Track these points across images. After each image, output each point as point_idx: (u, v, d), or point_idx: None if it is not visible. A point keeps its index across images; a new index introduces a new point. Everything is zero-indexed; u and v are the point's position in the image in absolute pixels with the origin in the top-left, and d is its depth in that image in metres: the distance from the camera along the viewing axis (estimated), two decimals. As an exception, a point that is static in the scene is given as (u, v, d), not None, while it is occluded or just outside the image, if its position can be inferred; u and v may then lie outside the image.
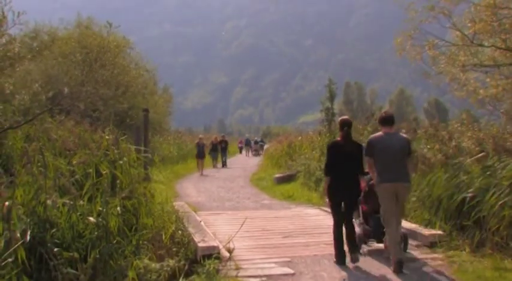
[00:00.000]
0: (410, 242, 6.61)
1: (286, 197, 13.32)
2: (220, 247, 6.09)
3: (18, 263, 4.02)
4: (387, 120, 5.94)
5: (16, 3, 9.04)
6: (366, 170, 6.11)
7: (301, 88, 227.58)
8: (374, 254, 6.26)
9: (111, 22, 11.42)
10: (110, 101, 17.20)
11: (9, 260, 3.92)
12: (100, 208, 5.11)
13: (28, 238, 4.21)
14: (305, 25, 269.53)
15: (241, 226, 6.77)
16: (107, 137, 6.53)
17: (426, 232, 6.78)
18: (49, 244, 4.42)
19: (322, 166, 6.83)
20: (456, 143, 8.40)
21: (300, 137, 23.35)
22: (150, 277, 4.88)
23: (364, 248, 6.46)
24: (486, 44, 11.33)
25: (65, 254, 4.42)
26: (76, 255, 4.45)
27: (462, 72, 11.51)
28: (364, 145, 6.15)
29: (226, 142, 26.93)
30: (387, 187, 5.70)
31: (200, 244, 5.86)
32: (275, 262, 5.86)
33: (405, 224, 7.08)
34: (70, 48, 18.51)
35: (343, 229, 5.88)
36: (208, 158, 24.07)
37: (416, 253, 6.25)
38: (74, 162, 5.97)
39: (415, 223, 7.45)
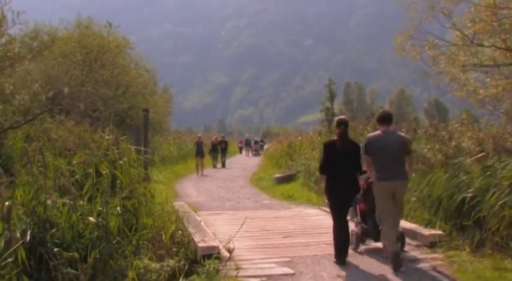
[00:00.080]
0: (411, 242, 6.62)
1: (286, 197, 13.31)
2: (220, 247, 6.08)
3: (18, 263, 4.02)
4: (385, 119, 5.98)
5: (16, 3, 9.06)
6: (364, 168, 6.14)
7: (301, 88, 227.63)
8: (373, 253, 6.27)
9: (111, 22, 11.44)
10: (110, 101, 17.21)
11: (9, 260, 3.92)
12: (100, 208, 5.11)
13: (28, 238, 4.21)
14: (305, 25, 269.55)
15: (241, 226, 6.76)
16: (107, 137, 6.53)
17: (426, 232, 6.77)
18: (49, 244, 4.42)
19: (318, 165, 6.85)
20: (456, 143, 8.40)
21: (300, 137, 23.35)
22: (150, 277, 4.88)
23: (362, 247, 6.49)
24: (486, 44, 11.34)
25: (65, 254, 4.42)
26: (76, 255, 4.45)
27: (462, 72, 11.52)
28: (361, 144, 6.18)
29: (226, 142, 26.93)
30: (385, 185, 5.74)
31: (200, 244, 5.85)
32: (275, 262, 5.85)
33: (405, 224, 7.09)
34: (70, 48, 18.52)
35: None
36: (208, 158, 24.07)
37: (416, 253, 6.25)
38: (74, 162, 5.97)
39: (415, 223, 7.45)
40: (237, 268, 5.53)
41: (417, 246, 6.56)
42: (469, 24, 10.92)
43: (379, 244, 6.23)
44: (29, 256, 4.21)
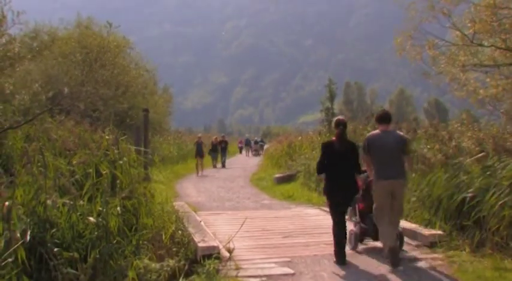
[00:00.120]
0: (411, 242, 6.63)
1: (286, 197, 13.31)
2: (220, 247, 6.08)
3: (18, 263, 4.02)
4: (384, 118, 6.01)
5: (16, 3, 9.06)
6: (363, 168, 6.15)
7: (301, 88, 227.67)
8: (373, 253, 6.27)
9: (111, 22, 11.44)
10: (110, 101, 17.22)
11: (9, 260, 3.92)
12: (100, 208, 5.11)
13: (28, 238, 4.21)
14: (305, 25, 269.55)
15: (241, 226, 6.76)
16: (107, 137, 6.53)
17: (426, 232, 6.77)
18: (49, 244, 4.42)
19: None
20: (456, 143, 8.40)
21: (300, 137, 23.33)
22: (150, 277, 4.88)
23: (360, 246, 6.50)
24: (486, 44, 11.34)
25: (65, 254, 4.42)
26: (76, 255, 4.45)
27: (462, 72, 11.51)
28: (359, 144, 6.19)
29: (226, 142, 26.94)
30: (384, 184, 5.76)
31: (200, 244, 5.85)
32: (275, 262, 5.85)
33: (405, 224, 7.09)
34: (70, 48, 18.53)
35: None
36: (208, 158, 24.07)
37: (416, 253, 6.25)
38: (74, 162, 5.96)
39: (415, 223, 7.44)
40: (237, 268, 5.53)
41: (417, 246, 6.56)
42: (469, 24, 10.91)
43: (378, 243, 6.24)
44: (29, 256, 4.21)
